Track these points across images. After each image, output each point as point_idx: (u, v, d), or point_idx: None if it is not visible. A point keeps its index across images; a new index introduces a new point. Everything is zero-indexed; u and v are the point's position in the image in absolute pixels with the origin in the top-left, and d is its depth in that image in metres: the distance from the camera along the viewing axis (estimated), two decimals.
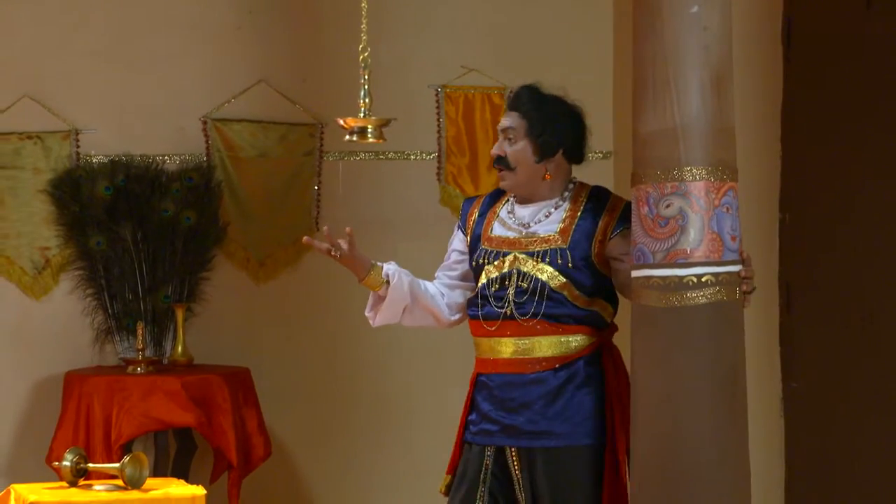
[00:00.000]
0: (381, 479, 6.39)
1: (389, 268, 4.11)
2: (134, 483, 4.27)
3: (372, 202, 6.44)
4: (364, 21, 4.07)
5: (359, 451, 6.41)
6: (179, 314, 6.18)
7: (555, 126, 4.07)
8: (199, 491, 4.31)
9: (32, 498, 4.17)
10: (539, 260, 4.06)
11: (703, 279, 3.78)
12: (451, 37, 6.51)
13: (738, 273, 3.79)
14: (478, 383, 4.17)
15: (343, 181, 6.41)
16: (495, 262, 4.11)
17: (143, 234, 6.28)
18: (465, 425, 4.18)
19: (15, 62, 6.30)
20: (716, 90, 3.81)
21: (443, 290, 4.23)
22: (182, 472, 5.92)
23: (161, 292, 6.29)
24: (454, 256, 4.24)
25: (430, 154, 6.51)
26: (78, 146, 6.32)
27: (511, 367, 4.08)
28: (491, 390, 4.11)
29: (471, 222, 4.24)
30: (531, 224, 4.11)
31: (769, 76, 5.72)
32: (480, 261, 4.14)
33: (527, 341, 4.07)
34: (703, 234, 3.78)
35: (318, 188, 6.45)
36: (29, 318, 6.29)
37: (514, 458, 4.09)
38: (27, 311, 6.27)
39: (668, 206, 3.80)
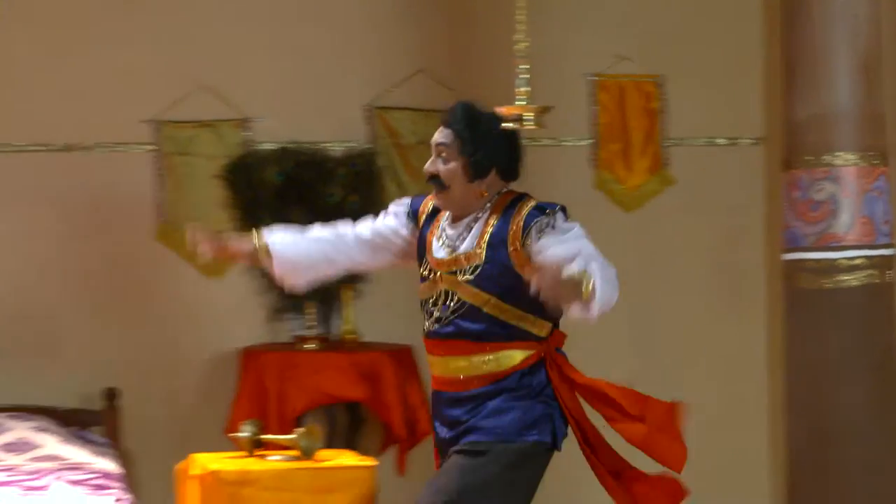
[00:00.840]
0: None
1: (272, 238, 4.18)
2: (307, 453, 4.41)
3: (527, 188, 6.55)
4: (521, 11, 4.10)
5: None
6: (347, 294, 6.28)
7: (487, 146, 3.95)
8: (369, 462, 4.45)
9: (213, 466, 4.34)
10: (461, 277, 3.93)
11: (856, 262, 3.81)
12: (604, 27, 6.59)
13: (890, 256, 3.79)
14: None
15: None
16: (428, 281, 4.03)
17: (311, 217, 6.16)
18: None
19: (191, 55, 6.48)
20: (866, 77, 3.84)
21: (357, 234, 4.27)
22: (352, 444, 6.03)
23: None
24: (386, 228, 4.20)
25: (584, 140, 6.62)
26: (249, 134, 6.51)
27: (445, 385, 4.01)
28: (435, 406, 4.09)
29: (421, 219, 4.15)
30: (457, 243, 3.99)
31: None
32: (423, 273, 4.07)
33: (458, 361, 3.96)
34: (855, 218, 3.81)
35: None
36: (207, 296, 6.45)
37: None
38: (205, 290, 6.44)
39: (819, 190, 3.84)
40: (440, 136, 3.99)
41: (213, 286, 6.47)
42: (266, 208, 6.33)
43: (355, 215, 6.28)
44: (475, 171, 3.93)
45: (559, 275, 3.54)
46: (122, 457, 6.07)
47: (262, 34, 6.57)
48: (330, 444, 5.75)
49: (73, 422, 6.05)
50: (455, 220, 4.00)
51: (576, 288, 3.52)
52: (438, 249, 4.00)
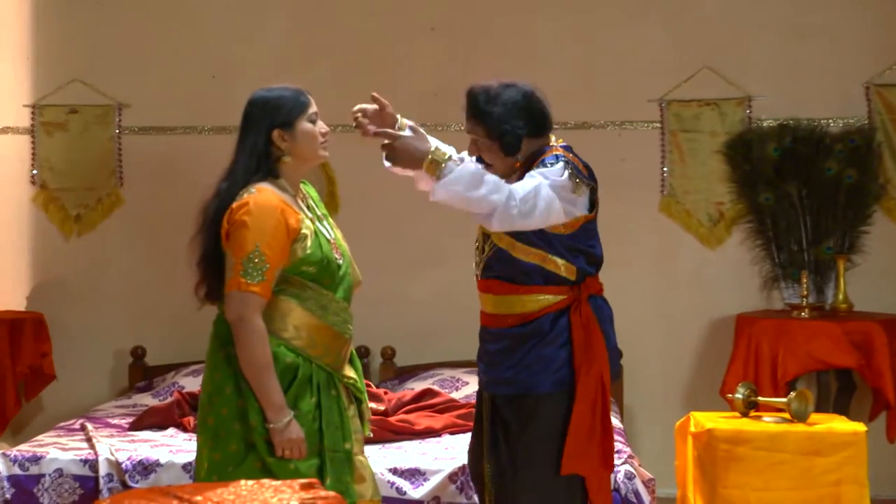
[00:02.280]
0: None
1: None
2: (799, 417, 4.60)
3: None
4: None
5: None
6: (841, 264, 6.35)
7: (509, 124, 4.05)
8: (860, 427, 4.55)
9: (709, 425, 4.58)
10: None
11: None
12: None
13: None
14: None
15: None
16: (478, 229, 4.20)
17: (807, 191, 6.49)
18: None
19: (696, 37, 6.71)
20: None
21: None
22: (842, 409, 6.07)
23: (824, 244, 6.48)
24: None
25: None
26: (750, 111, 6.65)
27: (485, 321, 4.19)
28: (481, 341, 4.23)
29: None
30: None
31: None
32: None
33: (494, 299, 4.14)
34: None
35: None
36: (705, 265, 6.65)
37: (486, 403, 4.19)
38: (704, 258, 6.65)
39: None
40: (467, 128, 4.12)
41: (712, 256, 6.69)
42: (763, 182, 6.54)
43: (851, 189, 6.42)
44: (507, 150, 4.08)
45: (397, 139, 3.91)
46: (623, 412, 6.45)
47: (763, 14, 6.71)
48: (820, 408, 5.82)
49: None
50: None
51: (414, 159, 3.89)
52: None
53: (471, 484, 4.68)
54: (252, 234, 3.72)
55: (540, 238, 4.05)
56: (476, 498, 4.66)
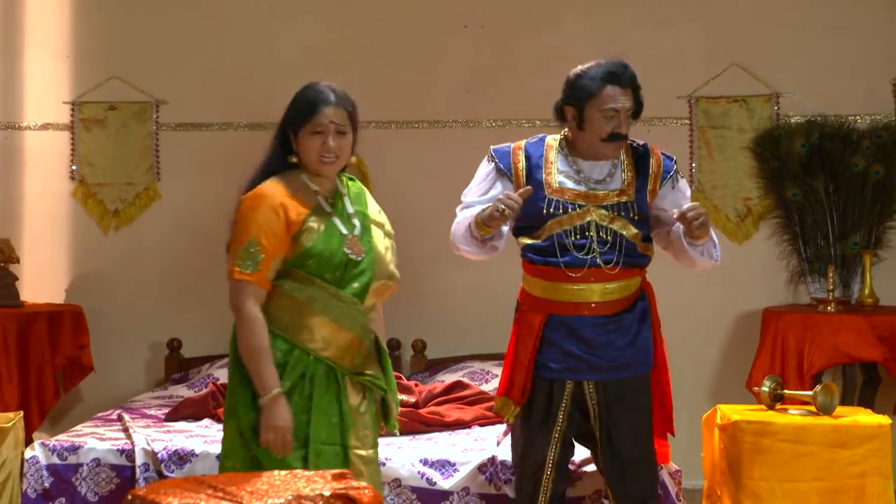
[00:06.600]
0: None
1: None
2: (825, 409, 4.61)
3: None
4: None
5: None
6: (867, 259, 6.36)
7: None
8: (885, 420, 4.55)
9: (735, 417, 4.60)
10: (614, 214, 4.24)
11: None
12: None
13: None
14: (552, 324, 4.27)
15: None
16: (570, 213, 4.22)
17: (834, 186, 6.51)
18: (535, 363, 4.28)
19: (725, 34, 6.75)
20: None
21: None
22: (868, 402, 6.02)
23: (850, 239, 6.50)
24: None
25: None
26: (778, 108, 6.68)
27: (597, 310, 4.23)
28: (575, 331, 4.24)
29: (518, 170, 4.32)
30: (602, 180, 4.28)
31: None
32: (550, 210, 4.23)
33: (611, 286, 4.24)
34: None
35: None
36: (733, 259, 6.51)
37: (592, 392, 4.25)
38: (731, 253, 6.52)
39: None
40: (627, 101, 4.26)
41: (739, 250, 6.70)
42: (790, 177, 6.57)
43: (878, 185, 6.42)
44: (637, 116, 4.33)
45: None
46: None
47: (793, 12, 6.74)
48: (845, 401, 5.81)
49: None
50: (586, 157, 4.31)
51: (707, 227, 4.16)
52: (575, 184, 4.28)
53: (500, 475, 4.76)
54: (250, 225, 3.81)
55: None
56: (505, 489, 4.74)
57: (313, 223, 3.87)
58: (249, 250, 3.80)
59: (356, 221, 3.96)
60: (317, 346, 3.86)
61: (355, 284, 3.89)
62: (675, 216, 4.15)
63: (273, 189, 3.86)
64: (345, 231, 3.91)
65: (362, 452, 3.92)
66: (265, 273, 3.81)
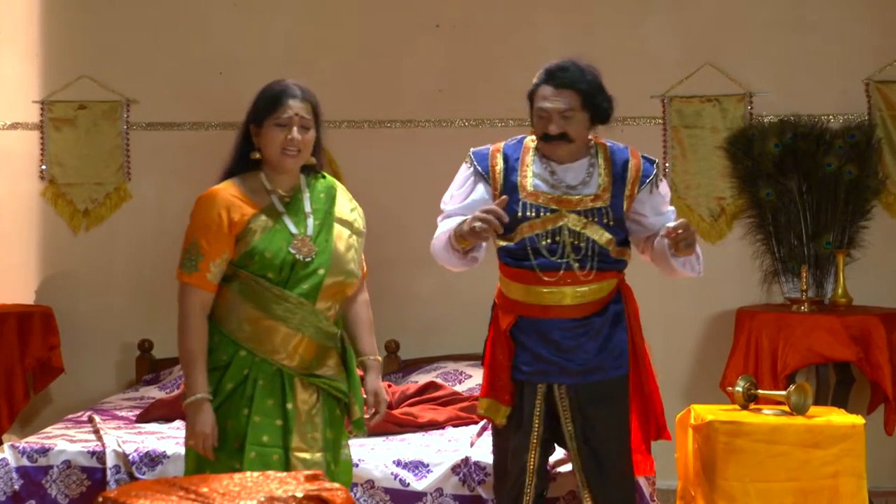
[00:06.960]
0: None
1: None
2: (799, 409, 4.61)
3: None
4: None
5: None
6: (840, 259, 6.35)
7: (602, 95, 4.18)
8: (859, 420, 4.55)
9: (709, 417, 4.60)
10: (588, 219, 4.18)
11: None
12: None
13: None
14: (522, 327, 4.25)
15: None
16: (542, 217, 4.19)
17: (807, 186, 6.51)
18: (513, 365, 4.26)
19: (698, 34, 6.74)
20: None
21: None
22: (841, 402, 6.05)
23: (823, 239, 6.50)
24: (477, 206, 4.16)
25: None
26: (751, 107, 6.69)
27: (568, 312, 4.20)
28: (545, 334, 4.22)
29: (496, 173, 4.27)
30: (576, 185, 4.22)
31: None
32: (524, 213, 4.20)
33: (584, 289, 4.20)
34: None
35: None
36: (706, 259, 5.96)
37: (563, 395, 4.22)
38: (705, 253, 5.97)
39: None
40: (561, 102, 4.13)
41: (713, 250, 6.66)
42: (764, 177, 6.57)
43: (851, 185, 6.42)
44: (596, 118, 4.20)
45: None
46: None
47: (766, 12, 6.74)
48: (819, 401, 5.82)
49: None
50: (560, 161, 4.24)
51: (693, 247, 4.16)
52: (549, 188, 4.22)
53: (473, 476, 4.74)
54: (192, 227, 3.85)
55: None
56: (479, 490, 4.72)
57: (258, 224, 3.86)
58: (190, 252, 3.84)
59: (311, 221, 3.92)
60: (263, 347, 3.84)
61: (304, 285, 3.86)
62: (662, 234, 4.14)
63: (224, 190, 3.88)
64: (294, 231, 3.89)
65: (306, 456, 3.86)
66: (205, 274, 3.83)
